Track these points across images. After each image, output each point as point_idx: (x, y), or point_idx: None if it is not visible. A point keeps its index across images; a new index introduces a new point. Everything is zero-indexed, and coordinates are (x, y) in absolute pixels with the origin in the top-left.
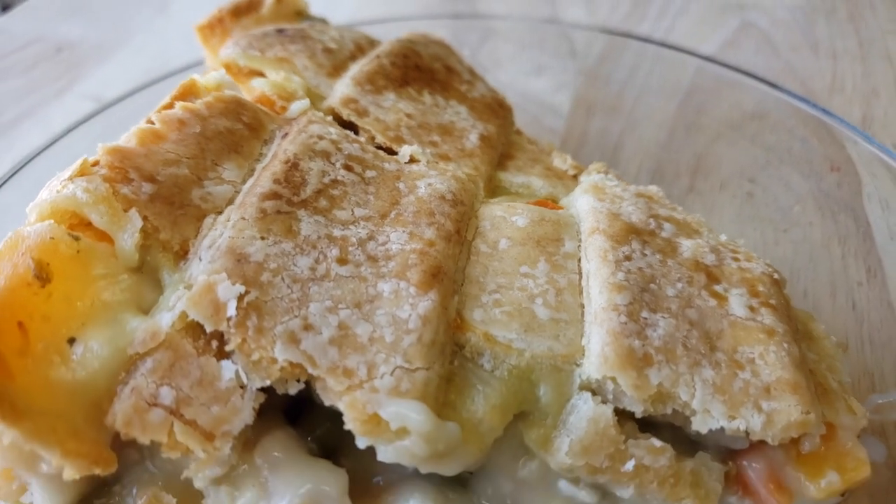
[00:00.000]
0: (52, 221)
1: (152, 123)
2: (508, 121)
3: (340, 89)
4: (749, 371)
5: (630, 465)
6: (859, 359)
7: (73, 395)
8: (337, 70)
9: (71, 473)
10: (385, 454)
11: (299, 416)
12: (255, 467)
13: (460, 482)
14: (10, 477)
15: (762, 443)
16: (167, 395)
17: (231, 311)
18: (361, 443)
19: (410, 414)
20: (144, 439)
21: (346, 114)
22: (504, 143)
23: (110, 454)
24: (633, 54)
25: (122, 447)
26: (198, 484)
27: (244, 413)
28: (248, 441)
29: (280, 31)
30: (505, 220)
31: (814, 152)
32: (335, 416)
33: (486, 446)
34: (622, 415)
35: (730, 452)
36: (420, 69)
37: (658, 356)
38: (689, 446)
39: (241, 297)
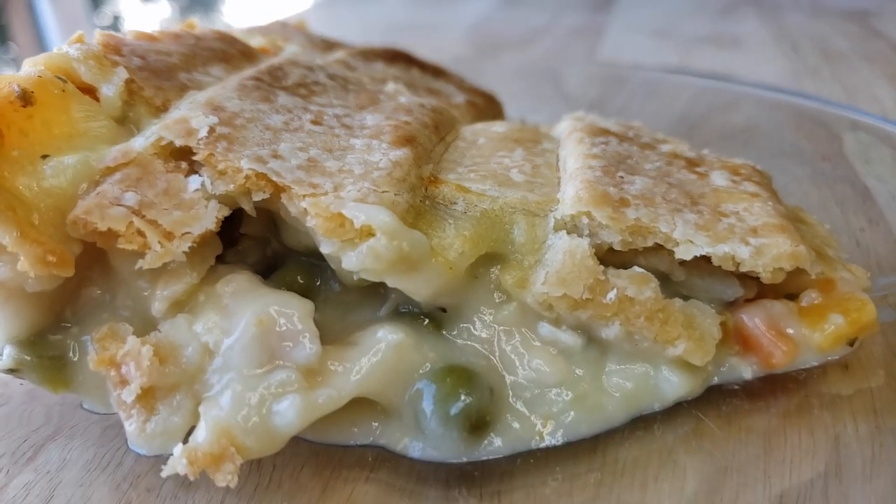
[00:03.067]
0: (42, 66)
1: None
2: (499, 112)
3: (335, 56)
4: (734, 218)
5: (612, 295)
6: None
7: (39, 195)
8: (329, 47)
9: (27, 264)
10: (350, 261)
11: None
12: (216, 295)
13: (435, 325)
14: None
15: (761, 295)
16: (131, 198)
17: (202, 133)
18: (325, 247)
19: (375, 214)
20: (103, 226)
21: (340, 70)
22: None
23: (68, 255)
24: (626, 94)
25: (81, 287)
26: (156, 308)
27: (206, 220)
28: (212, 272)
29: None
30: (485, 129)
31: (805, 149)
32: (307, 273)
33: (457, 270)
34: (604, 262)
35: (726, 306)
36: (407, 56)
37: (635, 201)
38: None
39: (213, 128)
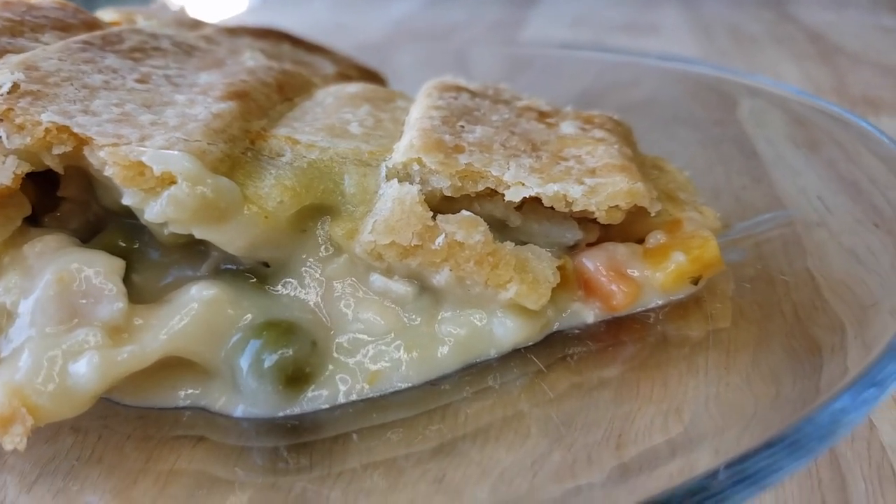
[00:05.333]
0: None
1: None
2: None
3: (198, 32)
4: (573, 161)
5: (440, 240)
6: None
7: None
8: (198, 25)
9: None
10: (152, 211)
11: None
12: (21, 256)
13: (259, 282)
14: None
15: (606, 238)
16: None
17: (3, 90)
18: (128, 198)
19: (176, 160)
20: None
21: (194, 41)
22: None
23: None
24: (532, 73)
25: None
26: None
27: (1, 176)
28: (23, 236)
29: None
30: (338, 90)
31: (699, 116)
32: (127, 236)
33: (275, 220)
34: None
35: (568, 251)
36: (280, 33)
37: (471, 148)
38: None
39: (17, 84)
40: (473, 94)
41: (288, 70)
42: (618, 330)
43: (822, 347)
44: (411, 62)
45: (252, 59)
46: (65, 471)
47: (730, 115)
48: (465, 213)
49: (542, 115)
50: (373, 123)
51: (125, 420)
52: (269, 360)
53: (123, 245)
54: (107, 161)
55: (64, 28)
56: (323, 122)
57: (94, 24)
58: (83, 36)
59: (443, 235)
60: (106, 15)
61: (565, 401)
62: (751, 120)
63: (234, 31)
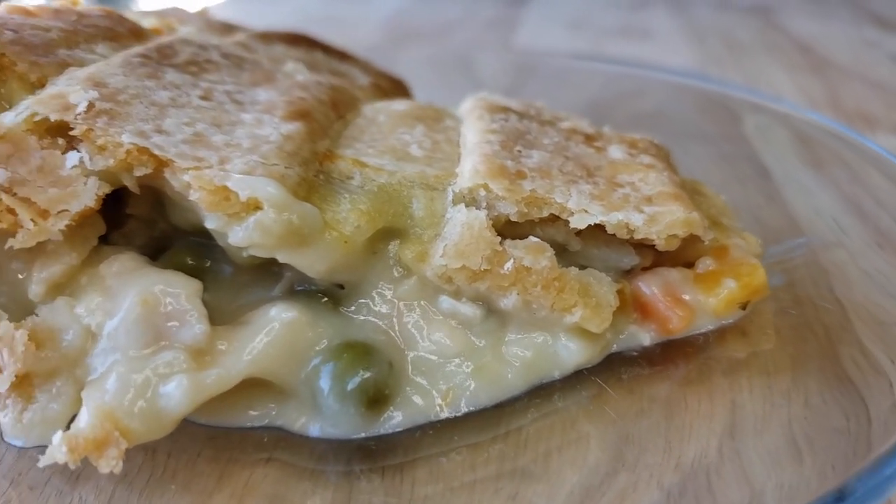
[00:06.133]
0: None
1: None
2: (407, 97)
3: (234, 38)
4: (629, 188)
5: (509, 265)
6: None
7: None
8: (228, 31)
9: None
10: (237, 236)
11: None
12: (99, 277)
13: (333, 303)
14: None
15: (658, 264)
16: (1, 175)
17: (81, 108)
18: (210, 222)
19: (262, 186)
20: None
21: (236, 50)
22: None
23: None
24: (538, 81)
25: None
26: (33, 292)
27: (85, 197)
28: (96, 254)
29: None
30: (385, 107)
31: (708, 131)
32: (197, 254)
33: (353, 245)
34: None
35: (624, 275)
36: (310, 40)
37: (532, 173)
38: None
39: (92, 103)
40: (520, 115)
41: (336, 85)
42: (670, 351)
43: (857, 368)
44: (415, 65)
45: (300, 74)
46: (139, 488)
47: (736, 131)
48: (532, 238)
49: (588, 139)
50: (430, 145)
51: (194, 438)
52: (353, 383)
53: (192, 264)
54: (191, 185)
55: (113, 38)
56: (384, 144)
57: (140, 33)
58: (139, 49)
59: (511, 261)
60: (146, 21)
61: (622, 420)
62: (757, 136)
63: (267, 38)
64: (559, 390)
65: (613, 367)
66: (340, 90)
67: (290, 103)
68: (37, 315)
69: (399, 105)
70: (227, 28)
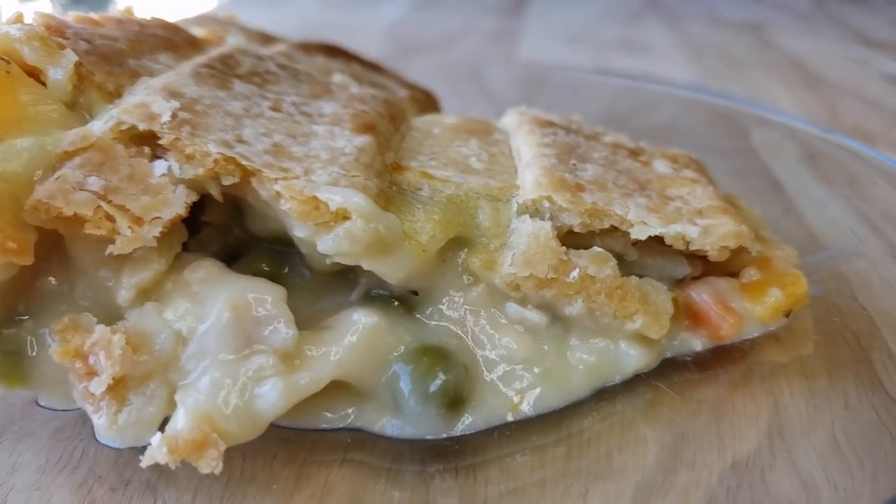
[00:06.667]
0: None
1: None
2: (437, 108)
3: (277, 48)
4: (680, 202)
5: (575, 273)
6: None
7: None
8: (268, 40)
9: None
10: (325, 244)
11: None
12: (184, 283)
13: (405, 308)
14: None
15: (708, 273)
16: (95, 182)
17: (165, 118)
18: (299, 231)
19: (350, 196)
20: (68, 210)
21: (287, 61)
22: None
23: (28, 242)
24: (549, 94)
25: (35, 278)
26: (122, 297)
27: (175, 205)
28: (176, 260)
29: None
30: (437, 120)
31: (720, 145)
32: (273, 260)
33: (429, 254)
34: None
35: (675, 283)
36: (345, 51)
37: (590, 186)
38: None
39: (175, 112)
40: (565, 129)
41: (388, 98)
42: (717, 356)
43: (885, 373)
44: (424, 76)
45: (352, 86)
46: (219, 490)
47: (746, 145)
48: (596, 248)
49: (632, 153)
50: (488, 158)
51: (267, 441)
52: (434, 386)
53: (268, 269)
54: (282, 195)
55: (172, 47)
56: (445, 157)
57: (195, 43)
58: (203, 59)
59: (576, 270)
60: (195, 30)
61: (676, 421)
62: (765, 150)
63: (306, 48)
64: (620, 393)
65: (665, 370)
66: (392, 103)
67: (355, 116)
68: (125, 320)
69: (450, 118)
70: (266, 37)
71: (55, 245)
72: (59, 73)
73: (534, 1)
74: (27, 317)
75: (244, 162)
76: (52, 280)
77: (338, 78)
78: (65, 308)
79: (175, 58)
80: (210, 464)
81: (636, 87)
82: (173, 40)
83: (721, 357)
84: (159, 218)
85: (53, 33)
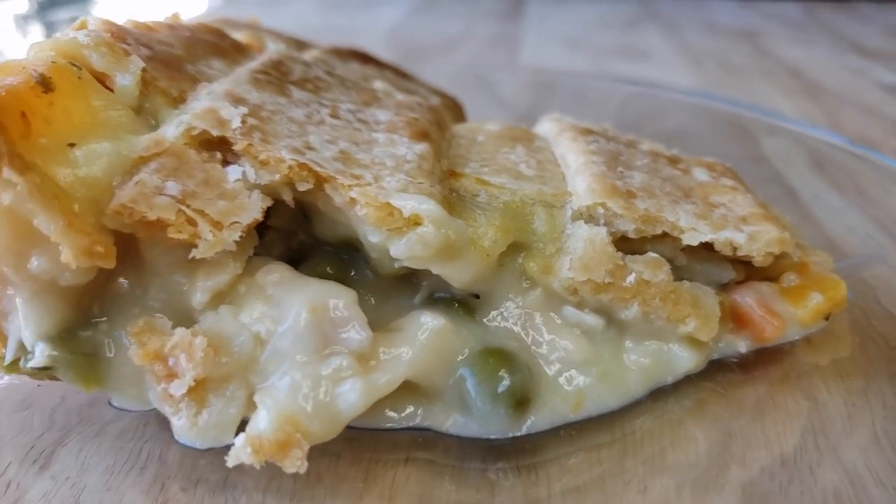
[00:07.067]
0: (53, 52)
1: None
2: (463, 114)
3: (312, 54)
4: (724, 209)
5: (631, 278)
6: None
7: (74, 185)
8: (301, 46)
9: (70, 255)
10: (398, 248)
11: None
12: (257, 286)
13: (466, 311)
14: None
15: (749, 278)
16: (173, 187)
17: (235, 124)
18: (374, 236)
19: (422, 203)
20: (152, 215)
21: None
22: None
23: (110, 245)
24: (559, 99)
25: (110, 281)
26: (197, 300)
27: (252, 210)
28: (248, 264)
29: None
30: (479, 127)
31: (732, 153)
32: (337, 265)
33: (492, 259)
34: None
35: (720, 288)
36: (374, 58)
37: (640, 193)
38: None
39: (244, 119)
40: (606, 138)
41: (432, 106)
42: (760, 357)
43: None
44: (434, 82)
45: (397, 93)
46: (288, 491)
47: (757, 152)
48: (651, 254)
49: (671, 161)
50: (536, 165)
51: (332, 440)
52: (502, 386)
53: (332, 273)
54: (358, 202)
55: (222, 53)
56: (496, 164)
57: (241, 48)
58: (257, 65)
59: (633, 274)
60: (238, 35)
61: (723, 420)
62: (776, 157)
63: (339, 54)
64: (669, 394)
65: (711, 371)
66: (436, 110)
67: (409, 124)
68: (200, 323)
69: (492, 126)
70: (298, 43)
71: (129, 249)
72: (127, 79)
73: (530, 6)
74: (101, 319)
75: (317, 169)
76: (125, 283)
77: (379, 85)
78: (137, 311)
79: (227, 63)
80: (295, 463)
81: (644, 93)
82: (221, 45)
83: (763, 358)
84: (238, 223)
85: (117, 40)
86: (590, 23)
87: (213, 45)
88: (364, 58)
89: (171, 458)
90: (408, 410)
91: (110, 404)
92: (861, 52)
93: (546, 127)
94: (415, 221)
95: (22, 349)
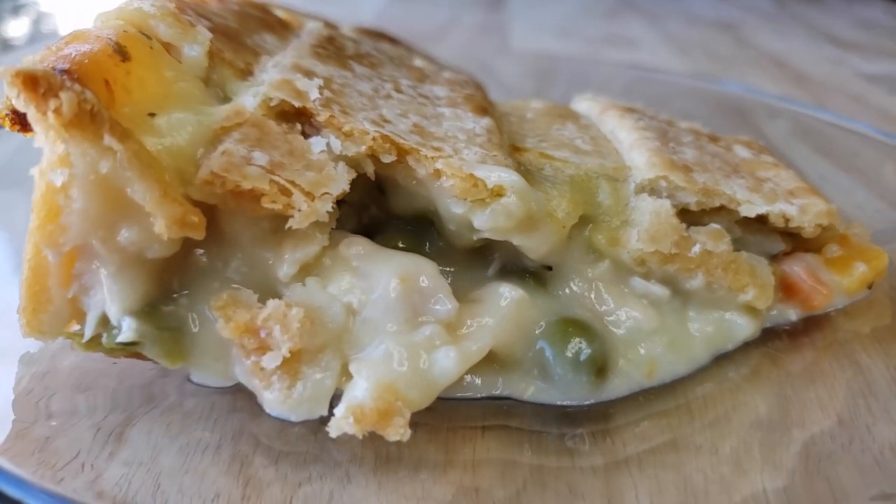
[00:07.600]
0: (122, 21)
1: None
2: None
3: (345, 32)
4: (771, 183)
5: (696, 248)
6: None
7: (162, 154)
8: (332, 27)
9: (163, 226)
10: (482, 219)
11: None
12: (342, 258)
13: (537, 283)
14: (68, 281)
15: (796, 249)
16: (261, 157)
17: (314, 95)
18: (458, 207)
19: (505, 174)
20: (246, 185)
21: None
22: None
23: (200, 216)
24: (562, 84)
25: (189, 255)
26: (284, 272)
27: (340, 182)
28: (331, 237)
29: None
30: (524, 105)
31: (735, 135)
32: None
33: (565, 231)
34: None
35: (770, 258)
36: (399, 39)
37: (695, 168)
38: None
39: (320, 89)
40: (647, 116)
41: (476, 83)
42: (807, 326)
43: None
44: None
45: (446, 72)
46: (370, 464)
47: (760, 134)
48: (713, 225)
49: (711, 139)
50: (590, 141)
51: None
52: (584, 355)
53: (404, 247)
54: (444, 173)
55: (270, 28)
56: (553, 139)
57: (284, 24)
58: (312, 40)
59: (697, 245)
60: (279, 12)
61: (778, 385)
62: (779, 139)
63: (369, 34)
64: (726, 361)
65: (762, 339)
66: (479, 87)
67: (467, 99)
68: (285, 296)
69: (536, 103)
70: (327, 23)
71: (209, 221)
72: (196, 49)
73: None
74: (185, 292)
75: (400, 140)
76: (204, 257)
77: (419, 62)
78: (217, 285)
79: (277, 38)
80: (398, 431)
81: (646, 77)
82: (268, 20)
83: (808, 327)
84: (328, 194)
85: (179, 10)
86: (571, 12)
87: (261, 20)
88: (391, 39)
89: (244, 437)
90: (488, 379)
91: (189, 380)
92: (837, 44)
93: (585, 105)
94: (498, 192)
95: (102, 325)
